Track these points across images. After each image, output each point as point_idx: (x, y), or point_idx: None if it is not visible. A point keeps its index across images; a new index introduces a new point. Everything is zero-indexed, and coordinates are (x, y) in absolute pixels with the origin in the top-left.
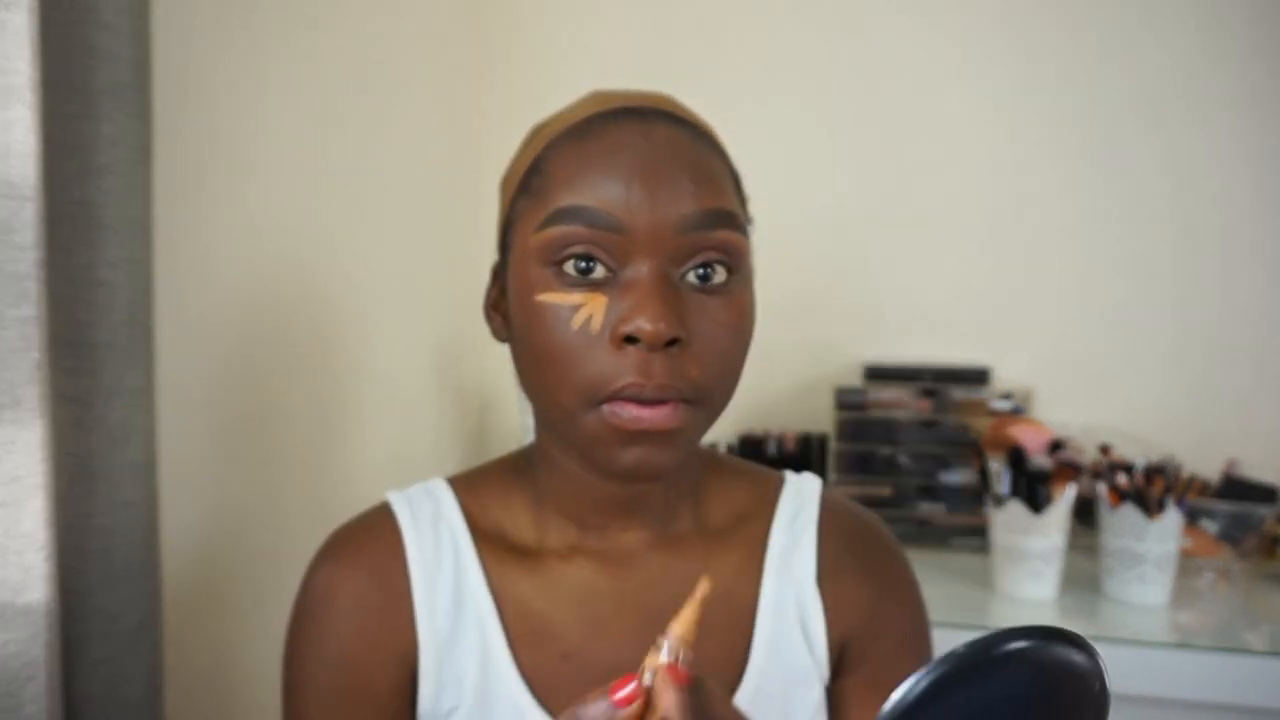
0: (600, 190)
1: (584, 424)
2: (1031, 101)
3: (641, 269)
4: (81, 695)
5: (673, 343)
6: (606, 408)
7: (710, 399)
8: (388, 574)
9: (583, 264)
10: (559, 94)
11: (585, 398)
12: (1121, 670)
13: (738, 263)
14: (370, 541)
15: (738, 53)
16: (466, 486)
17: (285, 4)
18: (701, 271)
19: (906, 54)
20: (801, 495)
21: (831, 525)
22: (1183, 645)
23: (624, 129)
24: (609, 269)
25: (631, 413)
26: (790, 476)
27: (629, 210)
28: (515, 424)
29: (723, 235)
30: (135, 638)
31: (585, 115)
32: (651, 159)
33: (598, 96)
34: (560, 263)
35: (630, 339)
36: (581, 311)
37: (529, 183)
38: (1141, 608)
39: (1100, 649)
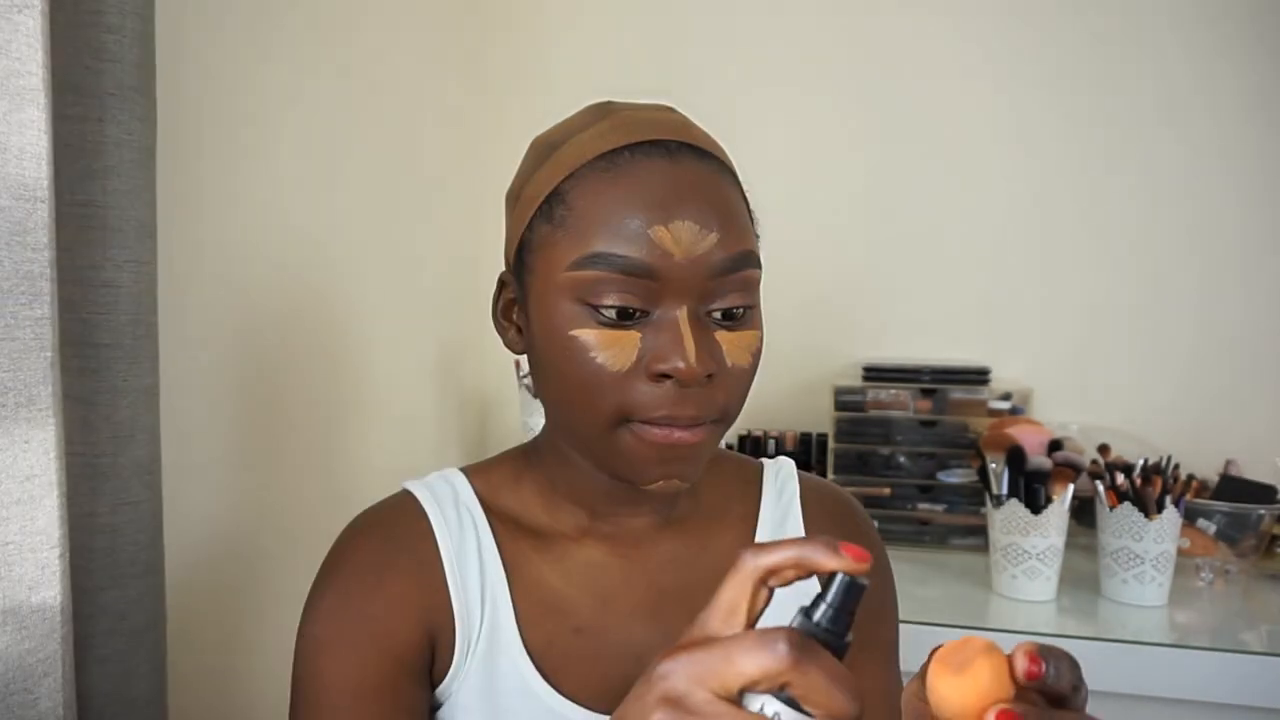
0: (633, 236)
1: (613, 440)
2: (1034, 103)
3: (675, 311)
4: (88, 692)
5: (707, 378)
6: (636, 425)
7: (731, 417)
8: (414, 542)
9: (620, 307)
10: (559, 97)
11: (616, 420)
12: (1120, 670)
13: (756, 295)
14: (395, 515)
15: (738, 62)
16: (478, 474)
17: (287, 8)
18: (728, 308)
19: (908, 57)
20: (782, 475)
21: (813, 499)
22: (1181, 645)
23: (651, 166)
24: (643, 310)
25: (663, 432)
26: (767, 461)
27: (662, 257)
28: (516, 425)
29: (746, 275)
30: (141, 635)
31: (610, 147)
32: (680, 202)
33: (613, 118)
34: (593, 302)
35: (665, 375)
36: (614, 348)
37: (551, 210)
38: (1140, 607)
39: (1098, 649)
